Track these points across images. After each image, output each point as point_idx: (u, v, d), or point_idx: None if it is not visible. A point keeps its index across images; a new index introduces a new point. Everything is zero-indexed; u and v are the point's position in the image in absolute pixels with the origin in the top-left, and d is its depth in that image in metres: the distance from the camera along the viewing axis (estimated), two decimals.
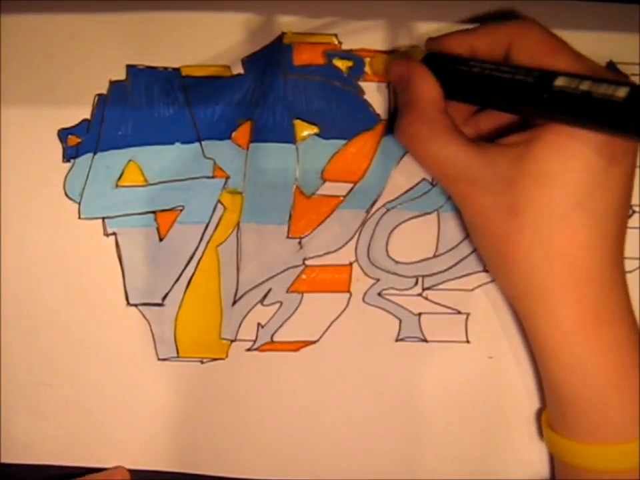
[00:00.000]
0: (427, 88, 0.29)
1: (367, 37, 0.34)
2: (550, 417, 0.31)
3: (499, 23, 0.29)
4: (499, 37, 0.29)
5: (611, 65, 0.34)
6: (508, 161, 0.27)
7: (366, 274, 0.34)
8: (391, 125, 0.33)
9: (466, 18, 0.34)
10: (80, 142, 0.34)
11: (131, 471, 0.35)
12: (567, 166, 0.27)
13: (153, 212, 0.34)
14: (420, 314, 0.35)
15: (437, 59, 0.30)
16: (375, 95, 0.34)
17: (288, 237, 0.34)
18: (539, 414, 0.34)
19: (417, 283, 0.34)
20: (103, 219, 0.34)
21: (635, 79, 0.34)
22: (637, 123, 0.23)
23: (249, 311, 0.34)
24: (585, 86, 0.25)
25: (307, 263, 0.34)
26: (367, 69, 0.34)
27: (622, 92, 0.24)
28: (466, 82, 0.29)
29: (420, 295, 0.34)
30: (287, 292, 0.34)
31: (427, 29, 0.34)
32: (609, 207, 0.27)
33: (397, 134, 0.30)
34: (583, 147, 0.26)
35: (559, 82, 0.25)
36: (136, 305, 0.34)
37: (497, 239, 0.29)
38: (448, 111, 0.29)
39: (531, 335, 0.30)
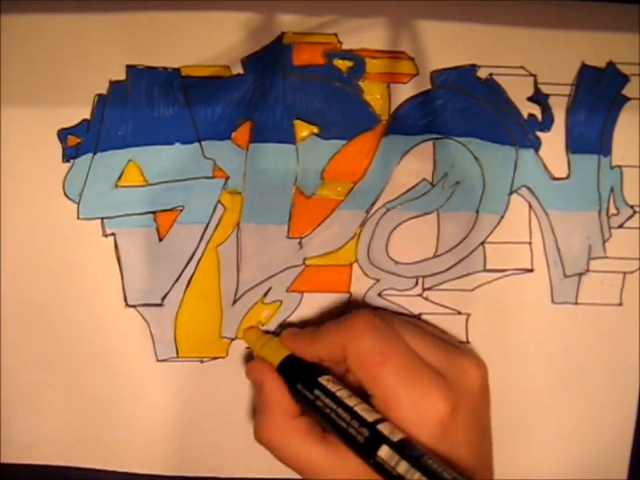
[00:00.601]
0: (279, 398, 0.30)
1: (367, 36, 0.34)
2: None
3: (335, 327, 0.30)
4: (334, 345, 0.29)
5: (611, 65, 0.34)
6: (358, 459, 0.28)
7: (366, 274, 0.34)
8: None
9: (466, 18, 0.34)
10: (80, 142, 0.34)
11: (131, 475, 0.35)
12: None
13: (153, 212, 0.34)
14: (420, 314, 0.35)
15: (293, 365, 0.31)
16: (374, 95, 0.34)
17: (288, 237, 0.34)
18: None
19: (417, 283, 0.34)
20: (102, 219, 0.34)
21: (635, 79, 0.34)
22: None
23: (249, 310, 0.34)
24: (401, 468, 0.25)
25: (307, 262, 0.34)
26: (367, 69, 0.34)
27: None
28: (313, 390, 0.29)
29: (420, 295, 0.34)
30: (287, 291, 0.34)
31: (427, 28, 0.34)
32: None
33: (255, 436, 0.31)
34: None
35: (382, 453, 0.26)
36: (135, 306, 0.34)
37: None
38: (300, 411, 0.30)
39: None
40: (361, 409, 0.28)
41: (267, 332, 0.34)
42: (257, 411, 0.31)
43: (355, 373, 0.29)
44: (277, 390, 0.30)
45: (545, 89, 0.34)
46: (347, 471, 0.28)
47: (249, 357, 0.34)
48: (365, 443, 0.27)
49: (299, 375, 0.30)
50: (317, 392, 0.29)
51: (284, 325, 0.35)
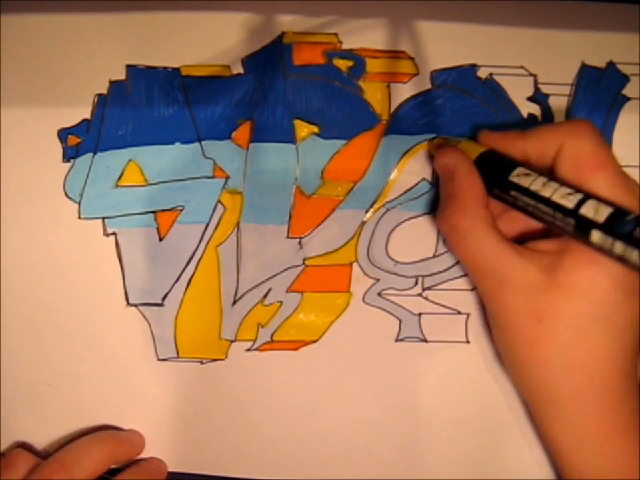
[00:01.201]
0: (472, 183, 0.30)
1: (367, 36, 0.34)
2: None
3: (552, 126, 0.30)
4: (549, 141, 0.29)
5: (611, 65, 0.34)
6: (538, 269, 0.28)
7: (366, 274, 0.34)
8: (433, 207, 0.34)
9: (466, 18, 0.34)
10: (80, 142, 0.34)
11: None
12: (595, 282, 0.27)
13: (153, 212, 0.34)
14: (420, 314, 0.35)
15: (486, 160, 0.31)
16: (375, 94, 0.34)
17: (288, 237, 0.34)
18: None
19: (416, 283, 0.34)
20: (103, 218, 0.34)
21: (635, 79, 0.34)
22: None
23: (249, 311, 0.34)
24: (618, 249, 0.25)
25: (307, 262, 0.34)
26: (367, 68, 0.34)
27: None
28: (509, 191, 0.29)
29: (420, 295, 0.34)
30: (287, 292, 0.34)
31: (427, 28, 0.34)
32: (630, 321, 0.28)
33: (438, 222, 0.31)
34: (612, 265, 0.27)
35: (594, 239, 0.26)
36: (136, 305, 0.34)
37: (519, 342, 0.29)
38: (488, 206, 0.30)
39: (546, 439, 0.31)
40: (559, 196, 0.27)
41: None
42: (445, 197, 0.30)
43: (564, 172, 0.28)
44: (471, 176, 0.30)
45: (544, 89, 0.34)
46: (524, 276, 0.28)
47: (249, 359, 0.34)
48: (575, 231, 0.26)
49: (495, 170, 0.30)
50: (513, 193, 0.29)
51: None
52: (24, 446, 0.34)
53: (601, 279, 0.27)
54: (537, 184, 0.28)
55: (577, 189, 0.27)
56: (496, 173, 0.30)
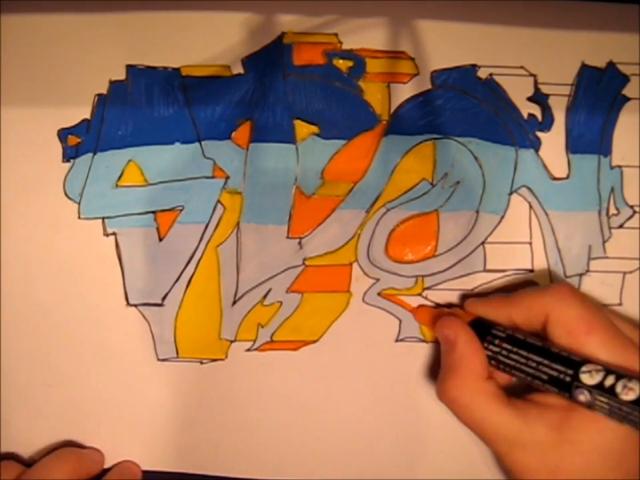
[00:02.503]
0: (472, 356, 0.30)
1: (367, 36, 0.34)
2: None
3: (537, 293, 0.30)
4: (535, 310, 0.30)
5: (611, 65, 0.34)
6: (548, 427, 0.28)
7: (366, 274, 0.34)
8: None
9: (466, 18, 0.34)
10: (80, 142, 0.34)
11: None
12: (607, 436, 0.28)
13: (153, 212, 0.34)
14: None
15: (483, 325, 0.31)
16: (375, 95, 0.34)
17: (288, 237, 0.34)
18: None
19: (416, 282, 0.34)
20: (103, 219, 0.34)
21: (635, 79, 0.34)
22: None
23: (249, 311, 0.34)
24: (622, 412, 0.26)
25: (307, 263, 0.34)
26: (367, 68, 0.34)
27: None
28: (509, 361, 0.30)
29: (420, 295, 0.34)
30: (287, 292, 0.34)
31: (427, 28, 0.34)
32: (638, 465, 0.29)
33: (438, 393, 0.31)
34: None
35: (584, 396, 0.27)
36: (136, 305, 0.34)
37: None
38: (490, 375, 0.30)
39: None
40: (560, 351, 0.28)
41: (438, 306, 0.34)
42: (446, 368, 0.31)
43: (557, 339, 0.29)
44: (471, 347, 0.30)
45: (544, 89, 0.34)
46: (533, 436, 0.28)
47: (249, 359, 0.34)
48: (569, 383, 0.27)
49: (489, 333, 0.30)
50: (509, 347, 0.29)
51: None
52: (12, 457, 0.34)
53: (611, 432, 0.28)
54: (534, 339, 0.29)
55: (573, 354, 0.28)
56: (492, 341, 0.30)
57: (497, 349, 0.30)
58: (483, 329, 0.31)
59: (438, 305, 0.34)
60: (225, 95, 0.34)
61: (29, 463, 0.33)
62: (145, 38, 0.34)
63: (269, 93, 0.34)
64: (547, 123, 0.34)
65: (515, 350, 0.29)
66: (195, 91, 0.34)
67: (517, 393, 0.31)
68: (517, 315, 0.30)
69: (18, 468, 0.33)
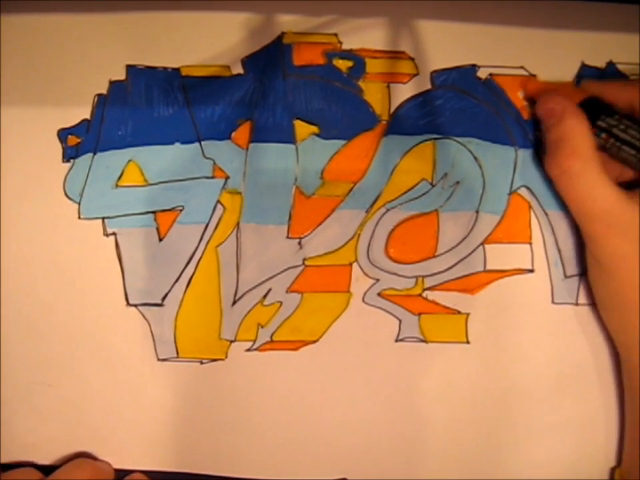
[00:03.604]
0: (581, 126, 0.30)
1: (367, 36, 0.34)
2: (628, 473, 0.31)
3: None
4: None
5: (611, 65, 0.34)
6: None
7: (366, 274, 0.34)
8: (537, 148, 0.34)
9: (466, 18, 0.34)
10: (80, 142, 0.34)
11: (131, 472, 0.35)
12: None
13: (153, 212, 0.34)
14: (420, 314, 0.35)
15: (591, 107, 0.31)
16: (375, 95, 0.34)
17: (288, 237, 0.34)
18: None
19: (416, 283, 0.34)
20: (103, 219, 0.34)
21: (635, 79, 0.34)
22: None
23: (249, 311, 0.34)
24: None
25: (307, 263, 0.34)
26: (367, 69, 0.34)
27: None
28: (612, 141, 0.30)
29: (420, 295, 0.34)
30: (287, 292, 0.34)
31: (427, 28, 0.34)
32: None
33: (548, 167, 0.31)
34: None
35: None
36: (136, 305, 0.34)
37: (624, 286, 0.29)
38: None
39: (638, 386, 0.31)
40: None
41: None
42: (553, 142, 0.30)
43: None
44: (580, 119, 0.30)
45: None
46: (634, 220, 0.28)
47: (249, 359, 0.34)
48: None
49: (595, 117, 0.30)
50: (621, 127, 0.29)
51: None
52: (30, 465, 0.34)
53: None
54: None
55: None
56: (606, 110, 0.30)
57: (614, 122, 0.29)
58: (591, 111, 0.30)
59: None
60: (225, 95, 0.34)
61: (47, 470, 0.33)
62: (145, 38, 0.34)
63: (268, 93, 0.34)
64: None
65: (633, 125, 0.29)
66: (195, 91, 0.34)
67: None
68: (637, 96, 0.30)
69: (37, 475, 0.33)
